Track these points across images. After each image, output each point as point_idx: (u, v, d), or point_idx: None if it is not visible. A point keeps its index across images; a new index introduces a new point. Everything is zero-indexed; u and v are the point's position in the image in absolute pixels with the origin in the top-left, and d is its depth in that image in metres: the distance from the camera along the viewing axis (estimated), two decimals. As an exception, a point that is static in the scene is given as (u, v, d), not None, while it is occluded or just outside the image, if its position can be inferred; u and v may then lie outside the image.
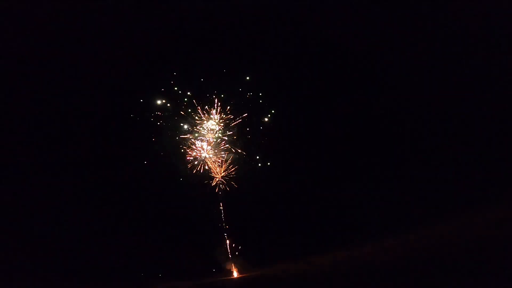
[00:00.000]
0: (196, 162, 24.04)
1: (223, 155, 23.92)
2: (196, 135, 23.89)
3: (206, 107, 23.56)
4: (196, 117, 23.82)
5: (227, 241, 23.44)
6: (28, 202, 22.09)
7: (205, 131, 23.91)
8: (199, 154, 23.83)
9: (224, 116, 23.74)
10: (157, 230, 22.78)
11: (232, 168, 23.78)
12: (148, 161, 23.37)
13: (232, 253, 23.34)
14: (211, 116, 23.72)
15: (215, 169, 23.99)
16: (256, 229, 22.42)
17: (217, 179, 23.78)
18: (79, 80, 23.56)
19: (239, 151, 23.63)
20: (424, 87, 22.06)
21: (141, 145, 23.47)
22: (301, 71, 23.21)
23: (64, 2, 22.58)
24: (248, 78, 23.10)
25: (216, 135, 23.87)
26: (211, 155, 23.88)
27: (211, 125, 23.89)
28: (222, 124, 23.84)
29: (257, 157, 23.23)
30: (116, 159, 23.43)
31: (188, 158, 23.83)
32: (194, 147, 23.90)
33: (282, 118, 23.00)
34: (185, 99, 23.50)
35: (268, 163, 22.99)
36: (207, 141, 23.95)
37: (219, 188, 23.83)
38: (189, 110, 23.49)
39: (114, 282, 21.66)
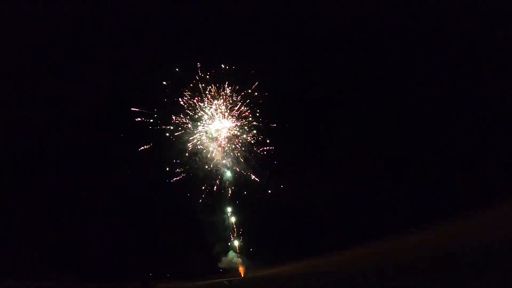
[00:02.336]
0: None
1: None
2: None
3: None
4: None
5: (235, 242, 23.73)
6: (35, 203, 22.65)
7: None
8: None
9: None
10: (165, 230, 23.04)
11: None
12: (152, 161, 23.66)
13: (240, 253, 23.62)
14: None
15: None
16: (264, 230, 22.55)
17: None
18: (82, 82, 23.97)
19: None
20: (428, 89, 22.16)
21: (146, 147, 23.72)
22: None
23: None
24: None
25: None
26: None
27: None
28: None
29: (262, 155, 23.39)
30: (120, 159, 23.69)
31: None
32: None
33: (288, 118, 23.11)
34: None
35: (274, 166, 23.23)
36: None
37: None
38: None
39: (124, 282, 21.92)
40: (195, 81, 23.81)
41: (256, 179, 23.49)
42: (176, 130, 23.96)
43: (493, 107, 20.26)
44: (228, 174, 23.99)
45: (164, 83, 23.84)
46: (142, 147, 23.47)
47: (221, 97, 23.93)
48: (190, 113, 24.04)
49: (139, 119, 23.65)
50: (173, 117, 24.07)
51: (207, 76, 23.72)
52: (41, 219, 22.00)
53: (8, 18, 23.29)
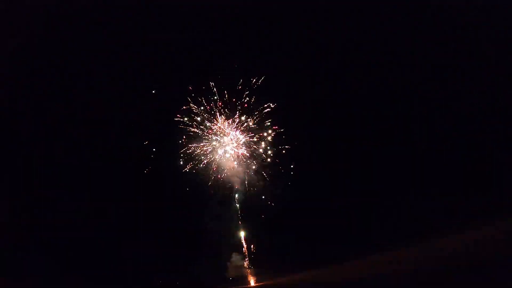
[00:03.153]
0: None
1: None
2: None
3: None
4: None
5: (245, 250, 23.77)
6: (47, 205, 22.44)
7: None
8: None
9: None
10: (175, 239, 22.98)
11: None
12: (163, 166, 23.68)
13: (249, 261, 23.68)
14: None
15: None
16: (274, 238, 22.74)
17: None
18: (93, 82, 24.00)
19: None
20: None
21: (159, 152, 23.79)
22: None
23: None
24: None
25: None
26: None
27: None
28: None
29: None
30: (131, 164, 23.67)
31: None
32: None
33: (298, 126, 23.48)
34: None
35: (285, 172, 23.50)
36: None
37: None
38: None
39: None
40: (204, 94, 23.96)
41: (267, 197, 23.66)
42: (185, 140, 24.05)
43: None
44: (238, 184, 24.17)
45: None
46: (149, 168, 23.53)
47: (232, 103, 23.99)
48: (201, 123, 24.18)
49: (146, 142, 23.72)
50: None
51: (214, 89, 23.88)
52: (51, 223, 21.82)
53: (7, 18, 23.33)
